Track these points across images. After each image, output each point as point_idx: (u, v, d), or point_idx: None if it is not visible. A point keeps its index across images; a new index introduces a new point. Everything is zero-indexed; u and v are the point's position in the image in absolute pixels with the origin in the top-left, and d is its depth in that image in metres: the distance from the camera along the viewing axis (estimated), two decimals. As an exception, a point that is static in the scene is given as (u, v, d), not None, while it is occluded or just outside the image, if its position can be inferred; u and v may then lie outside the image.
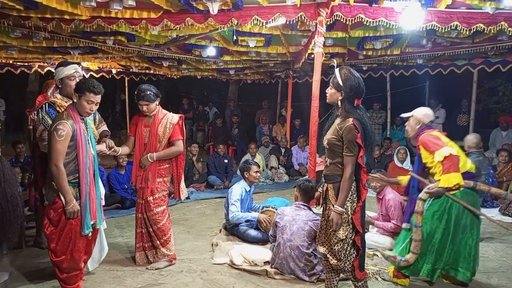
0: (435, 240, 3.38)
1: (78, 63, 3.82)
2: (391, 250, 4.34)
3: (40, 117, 3.52)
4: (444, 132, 3.63)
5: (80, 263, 3.21)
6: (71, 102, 3.21)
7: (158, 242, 3.88)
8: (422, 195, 3.42)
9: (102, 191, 3.72)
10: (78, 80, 3.48)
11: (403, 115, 3.74)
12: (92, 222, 3.16)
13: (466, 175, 3.42)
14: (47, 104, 3.55)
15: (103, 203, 3.72)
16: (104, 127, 3.95)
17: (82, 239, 3.16)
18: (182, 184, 4.07)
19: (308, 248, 3.66)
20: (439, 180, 3.34)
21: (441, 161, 3.31)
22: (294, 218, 3.76)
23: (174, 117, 3.91)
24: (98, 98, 3.13)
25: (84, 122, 3.19)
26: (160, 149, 3.84)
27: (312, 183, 3.95)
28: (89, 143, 3.18)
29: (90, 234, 3.21)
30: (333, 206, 2.86)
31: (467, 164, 3.50)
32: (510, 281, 3.73)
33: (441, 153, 3.31)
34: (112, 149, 3.63)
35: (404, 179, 3.80)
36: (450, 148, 3.35)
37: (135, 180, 3.94)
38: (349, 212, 2.83)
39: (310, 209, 3.88)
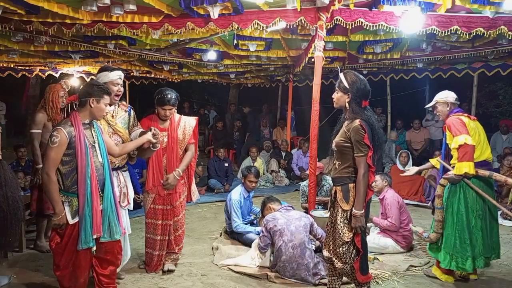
0: (462, 227, 3.44)
1: (121, 69, 3.68)
2: (392, 253, 4.35)
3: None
4: (473, 117, 3.65)
5: (81, 280, 3.05)
6: (76, 109, 3.06)
7: (177, 248, 3.89)
8: (441, 180, 3.61)
9: (131, 194, 3.58)
10: (121, 88, 3.41)
11: (428, 106, 3.87)
12: (95, 236, 2.96)
13: (484, 164, 3.51)
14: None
15: (130, 207, 3.59)
16: (140, 129, 3.57)
17: (83, 255, 2.99)
18: (193, 186, 4.03)
19: (309, 243, 3.72)
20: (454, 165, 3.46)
21: (456, 148, 3.40)
22: (288, 219, 3.83)
23: (192, 120, 3.85)
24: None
25: (91, 128, 3.05)
26: (180, 152, 3.77)
27: (269, 195, 4.51)
28: (96, 151, 3.01)
29: (94, 249, 3.01)
30: (341, 209, 2.87)
31: (486, 152, 3.55)
32: (511, 285, 3.72)
33: (457, 141, 3.40)
34: (156, 137, 3.33)
35: (437, 163, 3.87)
36: (467, 136, 3.39)
37: (153, 189, 3.73)
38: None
39: (294, 209, 4.13)
